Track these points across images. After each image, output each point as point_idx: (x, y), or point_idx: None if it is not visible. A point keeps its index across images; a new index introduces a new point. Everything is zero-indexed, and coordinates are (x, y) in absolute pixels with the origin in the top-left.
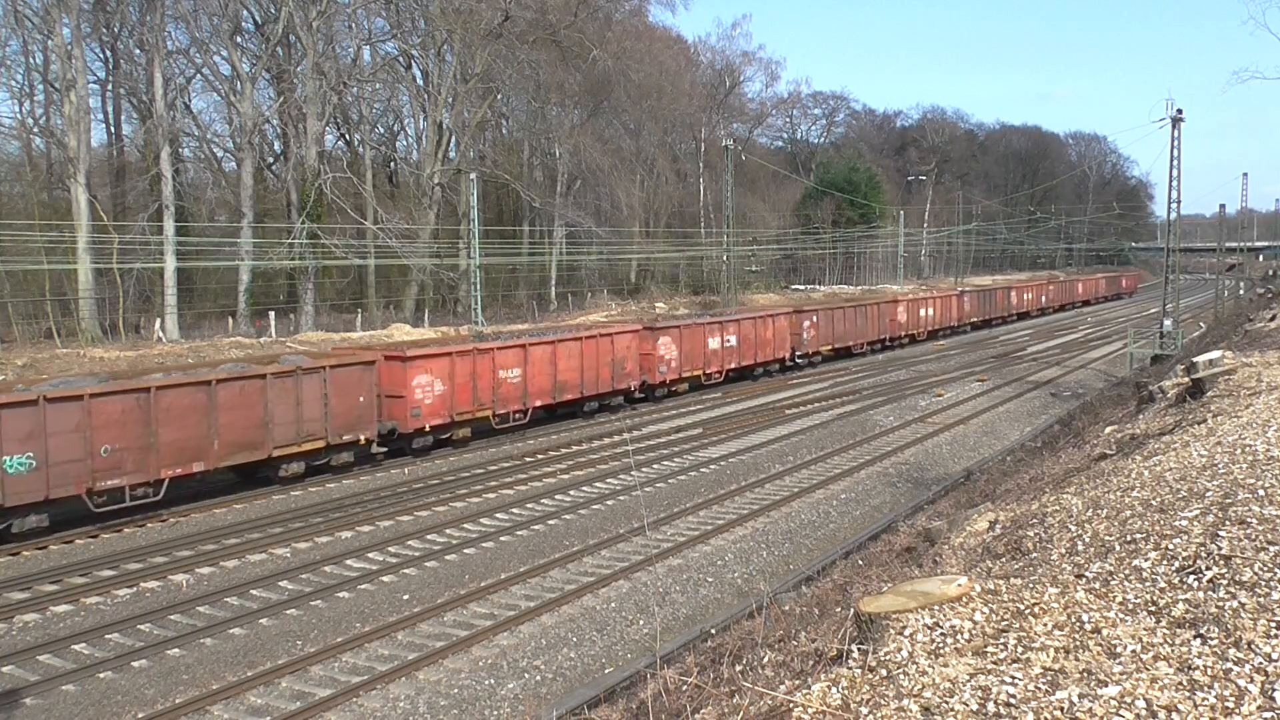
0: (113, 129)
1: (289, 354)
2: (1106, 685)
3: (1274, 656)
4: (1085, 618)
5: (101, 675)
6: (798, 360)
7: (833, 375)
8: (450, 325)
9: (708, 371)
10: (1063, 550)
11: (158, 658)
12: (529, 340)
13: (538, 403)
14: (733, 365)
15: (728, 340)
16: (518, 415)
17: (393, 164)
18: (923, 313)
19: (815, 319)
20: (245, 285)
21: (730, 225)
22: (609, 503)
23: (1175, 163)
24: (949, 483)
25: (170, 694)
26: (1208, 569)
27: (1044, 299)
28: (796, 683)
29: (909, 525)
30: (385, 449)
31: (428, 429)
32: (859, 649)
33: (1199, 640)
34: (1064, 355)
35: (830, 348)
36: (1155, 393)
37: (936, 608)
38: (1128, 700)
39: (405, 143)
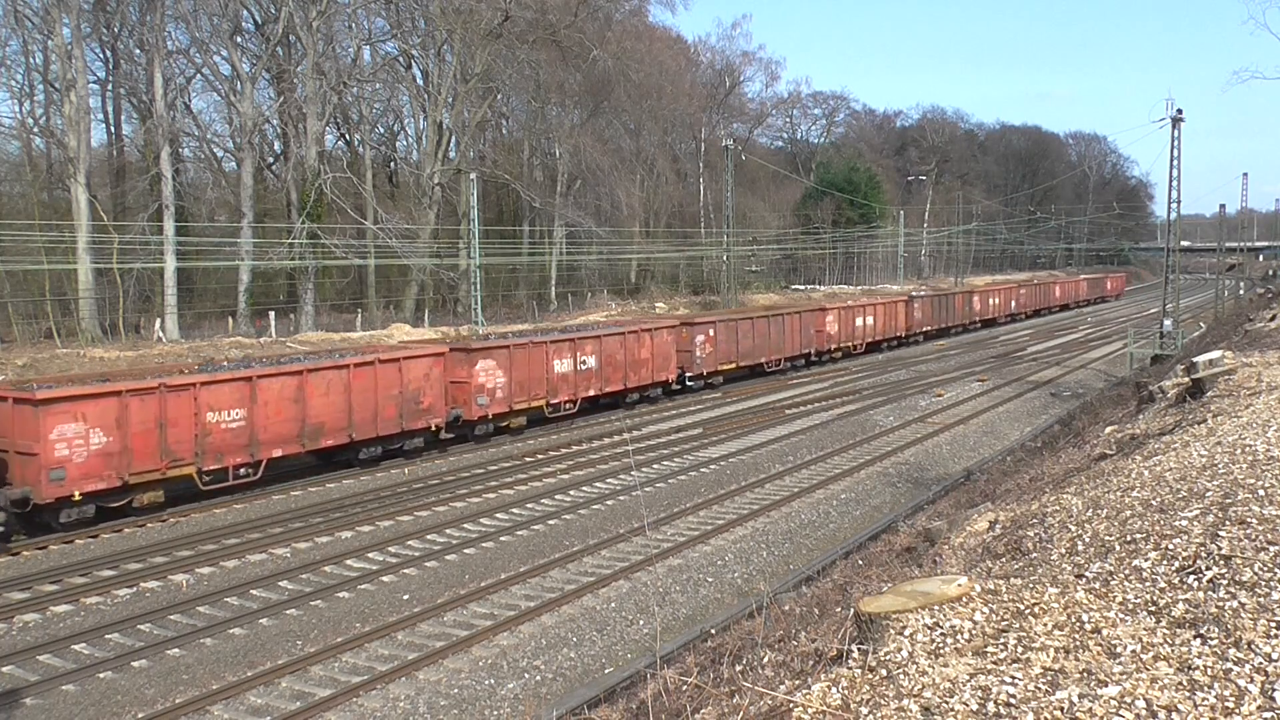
0: (113, 129)
1: None
2: (1106, 685)
3: (1274, 656)
4: (1085, 618)
5: (101, 675)
6: (688, 383)
7: (832, 375)
8: (450, 325)
9: (553, 401)
10: (1063, 550)
11: (158, 658)
12: (259, 371)
13: (277, 452)
14: (591, 392)
15: (583, 362)
16: (244, 470)
17: (393, 164)
18: (860, 322)
19: (712, 332)
20: (245, 285)
21: (730, 225)
22: (609, 503)
23: (1175, 163)
24: (949, 483)
25: (170, 694)
26: (1208, 569)
27: (1013, 304)
28: (796, 683)
29: (909, 525)
30: (1, 528)
31: (77, 496)
32: (859, 649)
33: (1199, 640)
34: (1064, 355)
35: (733, 365)
36: (1155, 393)
37: (936, 608)
38: (1128, 700)
39: (405, 143)
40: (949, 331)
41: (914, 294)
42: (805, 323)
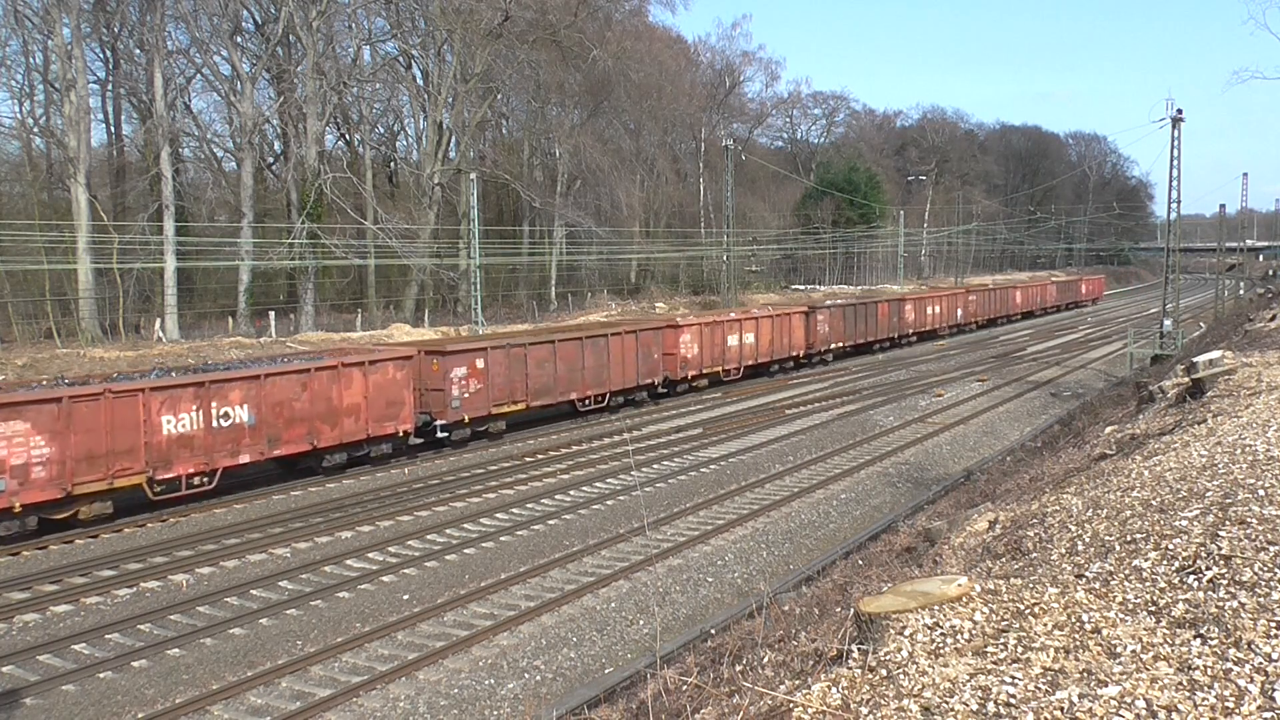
0: (113, 129)
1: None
2: (1106, 685)
3: (1274, 656)
4: (1085, 618)
5: (101, 675)
6: (443, 433)
7: (833, 375)
8: (450, 325)
9: (164, 476)
10: (1063, 550)
11: (158, 658)
12: None
13: None
14: (243, 459)
15: (225, 415)
16: None
17: (393, 164)
18: (734, 341)
19: (481, 363)
20: (245, 285)
21: (730, 225)
22: (609, 503)
23: (1175, 163)
24: (949, 483)
25: (170, 694)
26: (1208, 569)
27: (959, 313)
28: (796, 683)
29: (909, 525)
30: None
31: None
32: (859, 649)
33: (1199, 640)
34: (1064, 355)
35: (521, 406)
36: (1155, 393)
37: (936, 608)
38: (1128, 700)
39: (405, 143)
40: (871, 347)
41: (821, 303)
42: (646, 345)
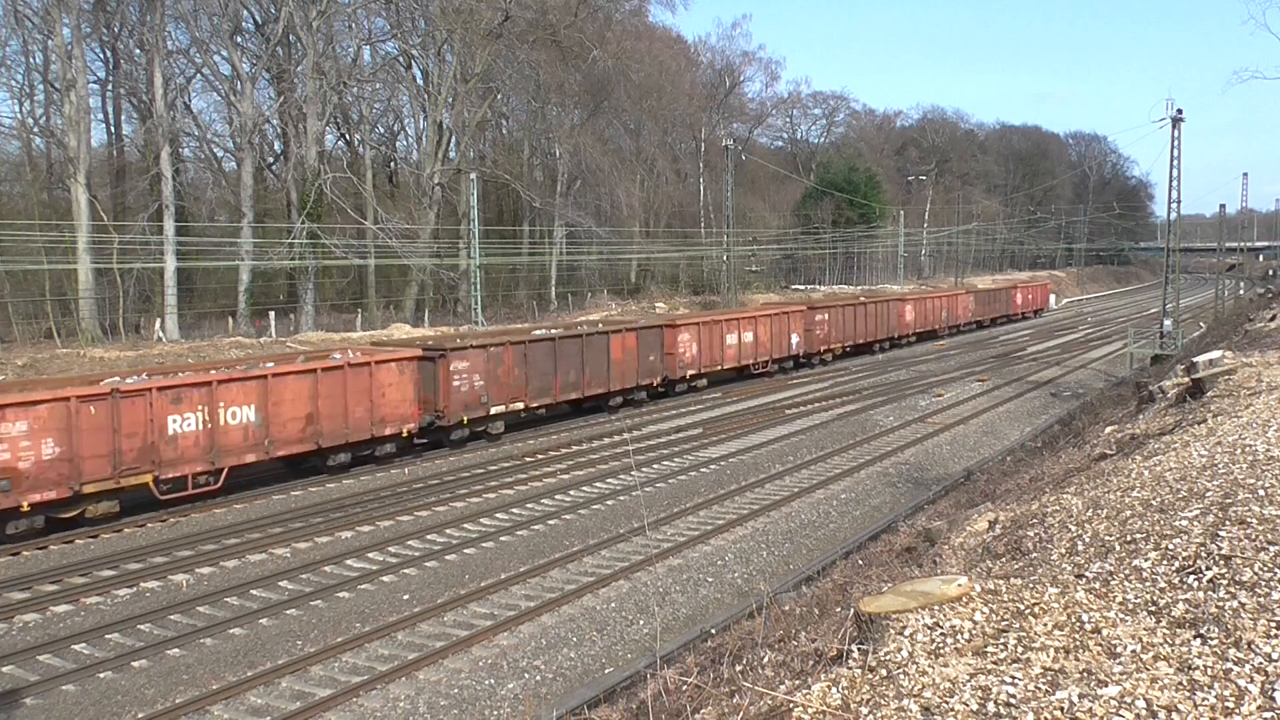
0: (113, 129)
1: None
2: (1106, 685)
3: (1274, 656)
4: (1085, 618)
5: (101, 675)
6: None
7: (832, 375)
8: (450, 325)
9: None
10: (1063, 550)
11: (158, 658)
12: None
13: None
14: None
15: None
16: None
17: (393, 164)
18: (237, 417)
19: None
20: (245, 285)
21: (730, 225)
22: (609, 503)
23: (1175, 163)
24: (949, 483)
25: (170, 694)
26: (1208, 569)
27: (794, 340)
28: (796, 683)
29: (909, 525)
30: None
31: None
32: (859, 649)
33: (1199, 640)
34: (1064, 355)
35: None
36: (1155, 393)
37: (936, 608)
38: (1128, 700)
39: (405, 143)
40: (607, 401)
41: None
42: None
